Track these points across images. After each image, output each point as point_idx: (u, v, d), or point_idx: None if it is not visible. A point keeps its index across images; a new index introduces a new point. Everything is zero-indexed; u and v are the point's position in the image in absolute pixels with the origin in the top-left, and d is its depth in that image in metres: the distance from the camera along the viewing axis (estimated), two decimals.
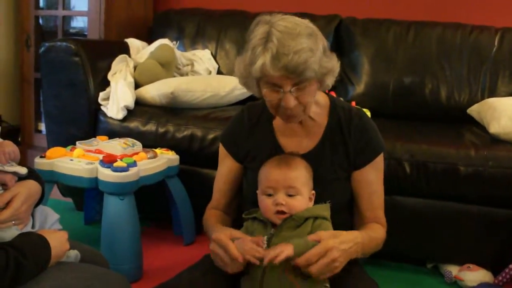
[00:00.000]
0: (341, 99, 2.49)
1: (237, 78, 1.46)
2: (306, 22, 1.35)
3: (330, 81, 1.41)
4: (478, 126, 2.39)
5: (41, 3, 3.36)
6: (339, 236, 1.27)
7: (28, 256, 1.13)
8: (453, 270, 2.09)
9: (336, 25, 2.86)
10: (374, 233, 1.43)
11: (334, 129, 1.49)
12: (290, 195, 1.34)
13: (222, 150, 1.59)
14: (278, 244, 1.24)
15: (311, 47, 1.29)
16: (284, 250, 1.21)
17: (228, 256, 1.26)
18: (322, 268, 1.22)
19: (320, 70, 1.33)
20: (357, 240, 1.32)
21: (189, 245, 2.31)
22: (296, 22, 1.32)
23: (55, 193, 2.31)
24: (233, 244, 1.26)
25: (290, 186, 1.34)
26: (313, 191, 1.40)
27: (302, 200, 1.36)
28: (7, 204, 1.25)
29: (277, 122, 1.52)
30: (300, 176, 1.37)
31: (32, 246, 1.17)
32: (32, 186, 1.32)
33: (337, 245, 1.24)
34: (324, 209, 1.38)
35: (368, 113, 2.43)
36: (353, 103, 2.55)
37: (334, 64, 1.39)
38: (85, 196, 2.45)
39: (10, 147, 1.29)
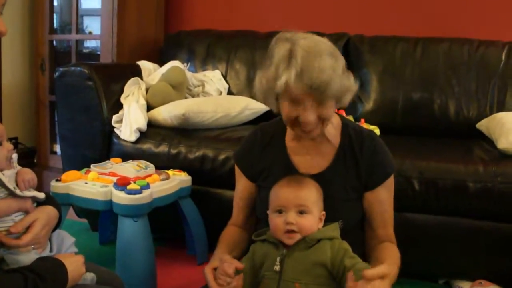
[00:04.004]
0: (351, 117, 2.53)
1: (254, 96, 1.51)
2: (326, 41, 1.40)
3: (348, 99, 1.44)
4: (487, 141, 2.40)
5: (55, 24, 3.44)
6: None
7: (46, 280, 1.16)
8: (465, 286, 2.09)
9: (344, 43, 2.91)
10: (395, 259, 1.44)
11: (346, 150, 1.51)
12: (300, 213, 1.36)
13: (237, 169, 1.63)
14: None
15: (333, 66, 1.33)
16: None
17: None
18: None
19: (341, 89, 1.37)
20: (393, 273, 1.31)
21: (202, 265, 2.32)
22: (318, 41, 1.37)
23: (70, 214, 2.35)
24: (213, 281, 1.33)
25: (301, 204, 1.36)
26: (323, 212, 1.41)
27: (313, 219, 1.37)
28: (27, 228, 1.29)
29: (290, 142, 1.55)
30: (310, 195, 1.39)
31: (50, 270, 1.20)
32: (51, 212, 1.36)
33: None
34: (335, 229, 1.39)
35: (377, 130, 2.45)
36: (362, 121, 2.57)
37: (352, 82, 1.42)
38: (100, 217, 2.49)
39: (29, 174, 1.34)
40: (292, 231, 1.34)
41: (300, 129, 1.41)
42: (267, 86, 1.41)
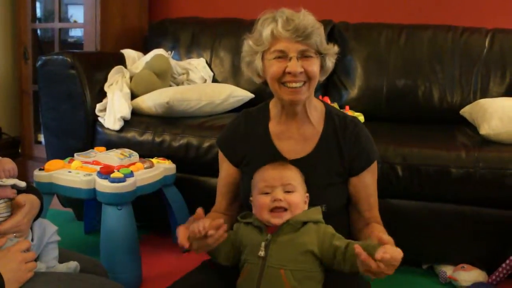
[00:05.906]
0: (336, 105, 2.54)
1: (242, 61, 1.53)
2: None
3: (330, 62, 1.49)
4: (470, 127, 2.42)
5: (38, 13, 3.39)
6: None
7: None
8: (447, 270, 2.11)
9: (329, 30, 2.90)
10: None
11: (329, 135, 1.52)
12: (287, 192, 1.36)
13: (220, 154, 1.64)
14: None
15: (317, 23, 1.44)
16: None
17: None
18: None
19: (323, 45, 1.44)
20: None
21: (188, 252, 2.33)
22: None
23: (55, 203, 2.34)
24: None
25: (288, 183, 1.37)
26: (307, 194, 1.42)
27: (300, 196, 1.37)
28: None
29: (274, 127, 1.56)
30: (295, 175, 1.41)
31: None
32: (34, 200, 1.36)
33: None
34: (318, 213, 1.40)
35: (362, 117, 2.46)
36: (347, 108, 2.58)
37: (332, 48, 1.49)
38: (84, 206, 2.48)
39: (9, 164, 1.33)
40: (280, 208, 1.33)
41: (287, 89, 1.43)
42: (253, 45, 1.46)
